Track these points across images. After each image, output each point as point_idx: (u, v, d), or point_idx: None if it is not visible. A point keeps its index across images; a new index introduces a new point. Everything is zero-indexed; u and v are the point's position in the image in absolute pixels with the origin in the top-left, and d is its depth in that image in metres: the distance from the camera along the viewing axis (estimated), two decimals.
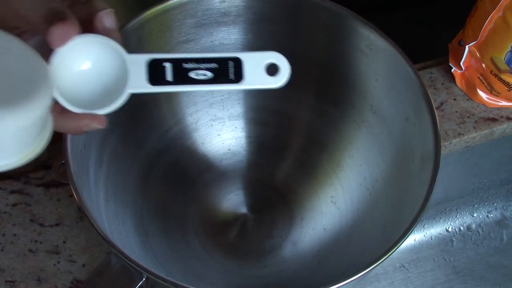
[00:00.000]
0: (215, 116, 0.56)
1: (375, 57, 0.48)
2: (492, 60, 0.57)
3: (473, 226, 0.76)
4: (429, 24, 0.80)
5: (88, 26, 0.31)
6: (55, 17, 0.29)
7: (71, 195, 0.51)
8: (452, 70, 0.62)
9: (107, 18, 0.31)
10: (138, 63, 0.31)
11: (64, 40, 0.29)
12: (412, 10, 0.81)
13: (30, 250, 0.49)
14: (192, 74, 0.32)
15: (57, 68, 0.30)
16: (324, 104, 0.54)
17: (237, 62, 0.32)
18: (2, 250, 0.49)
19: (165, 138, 0.54)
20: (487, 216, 0.76)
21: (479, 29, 0.56)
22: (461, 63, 0.60)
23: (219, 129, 0.57)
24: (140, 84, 0.31)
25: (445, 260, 0.73)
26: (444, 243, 0.74)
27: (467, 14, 0.60)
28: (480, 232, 0.76)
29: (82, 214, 0.51)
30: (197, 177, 0.56)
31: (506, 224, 0.76)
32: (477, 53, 0.58)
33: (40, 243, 0.50)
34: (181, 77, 0.32)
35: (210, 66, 0.32)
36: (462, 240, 0.75)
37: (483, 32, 0.56)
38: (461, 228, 0.75)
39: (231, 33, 0.51)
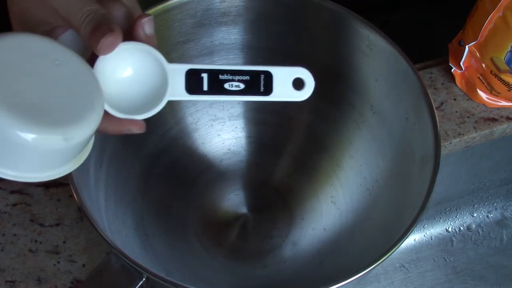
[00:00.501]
0: (215, 116, 0.56)
1: (375, 57, 0.48)
2: (492, 60, 0.57)
3: (473, 226, 0.76)
4: (429, 24, 0.80)
5: (126, 31, 0.31)
6: (103, 26, 0.29)
7: (71, 195, 0.51)
8: (452, 70, 0.62)
9: (148, 25, 0.32)
10: (178, 72, 0.33)
11: (112, 49, 0.30)
12: (412, 10, 0.81)
13: (30, 250, 0.49)
14: (226, 85, 0.33)
15: (100, 74, 0.31)
16: (324, 104, 0.54)
17: (268, 76, 0.34)
18: (2, 250, 0.49)
19: (165, 138, 0.54)
20: (487, 216, 0.76)
21: (479, 29, 0.56)
22: (461, 63, 0.60)
23: (219, 129, 0.57)
24: (178, 92, 0.33)
25: (445, 260, 0.73)
26: (444, 243, 0.74)
27: (467, 14, 0.60)
28: (480, 232, 0.75)
29: (82, 214, 0.51)
30: (197, 177, 0.56)
31: (506, 224, 0.76)
32: (477, 53, 0.58)
33: (40, 243, 0.50)
34: (216, 87, 0.33)
35: (243, 78, 0.34)
36: (462, 240, 0.75)
37: (483, 32, 0.56)
38: (461, 228, 0.75)
39: (231, 33, 0.51)
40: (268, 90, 0.34)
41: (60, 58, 0.29)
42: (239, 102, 0.56)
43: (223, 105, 0.56)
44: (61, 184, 0.53)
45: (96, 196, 0.43)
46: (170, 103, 0.54)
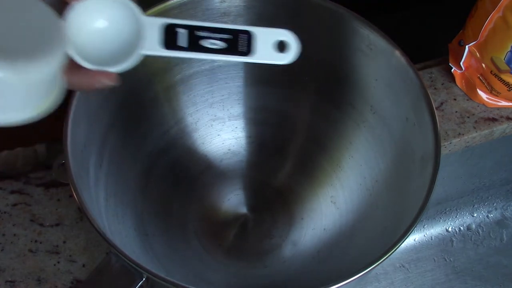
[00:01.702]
0: (215, 116, 0.56)
1: (375, 57, 0.48)
2: (492, 60, 0.57)
3: (473, 226, 0.76)
4: (429, 24, 0.80)
5: None
6: None
7: (71, 195, 0.51)
8: (452, 70, 0.62)
9: None
10: (153, 26, 0.32)
11: None
12: (412, 10, 0.81)
13: (30, 250, 0.49)
14: (205, 43, 0.33)
15: (72, 24, 0.30)
16: (324, 104, 0.54)
17: (249, 36, 0.33)
18: (2, 250, 0.49)
19: (165, 138, 0.54)
20: (487, 216, 0.76)
21: (479, 29, 0.56)
22: (461, 63, 0.60)
23: (219, 129, 0.57)
24: (153, 46, 0.32)
25: (445, 260, 0.73)
26: (444, 243, 0.74)
27: (467, 14, 0.60)
28: (480, 232, 0.76)
29: (82, 214, 0.51)
30: (197, 177, 0.56)
31: (506, 224, 0.76)
32: (477, 53, 0.58)
33: (40, 243, 0.50)
34: (194, 44, 0.32)
35: (223, 36, 0.33)
36: (462, 240, 0.75)
37: (483, 32, 0.56)
38: (461, 228, 0.75)
39: None
40: (249, 50, 0.33)
41: (19, 2, 0.29)
42: (239, 101, 0.56)
43: (223, 105, 0.56)
44: (61, 184, 0.53)
45: (96, 196, 0.43)
46: (169, 103, 0.54)
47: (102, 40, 0.32)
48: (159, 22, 0.32)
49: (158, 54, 0.32)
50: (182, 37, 0.32)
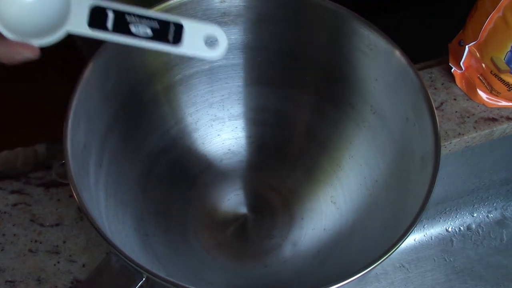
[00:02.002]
0: (215, 116, 0.56)
1: (375, 57, 0.48)
2: (492, 60, 0.57)
3: (473, 226, 0.76)
4: (429, 24, 0.80)
5: None
6: None
7: (71, 195, 0.51)
8: (452, 70, 0.62)
9: None
10: (82, 5, 0.33)
11: None
12: (412, 10, 0.81)
13: (30, 250, 0.49)
14: (133, 28, 0.33)
15: None
16: (324, 104, 0.54)
17: (178, 27, 0.34)
18: (2, 250, 0.49)
19: (165, 138, 0.54)
20: (487, 216, 0.76)
21: (479, 29, 0.56)
22: (461, 63, 0.60)
23: (219, 129, 0.57)
24: (79, 25, 0.33)
25: (445, 260, 0.73)
26: (444, 243, 0.74)
27: (467, 14, 0.60)
28: (480, 232, 0.75)
29: (82, 214, 0.51)
30: (197, 177, 0.56)
31: (506, 224, 0.76)
32: (477, 53, 0.58)
33: (40, 243, 0.50)
34: (121, 28, 0.33)
35: (152, 24, 0.33)
36: (462, 240, 0.75)
37: (483, 32, 0.56)
38: (461, 228, 0.75)
39: (231, 33, 0.51)
40: (177, 41, 0.34)
41: None
42: (239, 101, 0.56)
43: (223, 105, 0.56)
44: (61, 184, 0.53)
45: (96, 196, 0.43)
46: (169, 103, 0.54)
47: (29, 12, 0.32)
48: (89, 2, 0.33)
49: (83, 33, 0.33)
50: (110, 20, 0.33)
